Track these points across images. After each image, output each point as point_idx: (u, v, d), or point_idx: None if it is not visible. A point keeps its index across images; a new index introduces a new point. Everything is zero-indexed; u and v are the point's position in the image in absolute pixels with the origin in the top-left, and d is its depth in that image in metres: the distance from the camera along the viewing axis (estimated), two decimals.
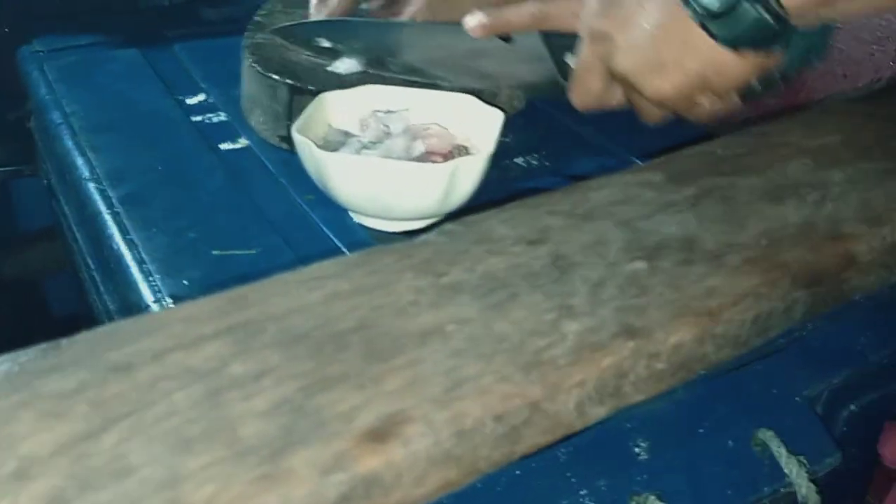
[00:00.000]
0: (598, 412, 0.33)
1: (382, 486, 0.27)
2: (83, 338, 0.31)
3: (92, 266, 0.74)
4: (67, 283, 1.00)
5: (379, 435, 0.28)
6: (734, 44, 0.53)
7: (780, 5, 0.50)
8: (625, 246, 0.37)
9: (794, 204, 0.40)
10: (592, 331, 0.33)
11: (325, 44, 0.79)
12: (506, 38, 0.69)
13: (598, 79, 0.60)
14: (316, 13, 0.81)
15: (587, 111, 0.64)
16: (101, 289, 0.72)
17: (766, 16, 0.50)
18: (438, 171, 0.63)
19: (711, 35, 0.52)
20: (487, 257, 0.37)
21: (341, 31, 0.78)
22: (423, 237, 0.38)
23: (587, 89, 0.62)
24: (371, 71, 0.77)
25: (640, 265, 0.36)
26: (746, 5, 0.50)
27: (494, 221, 0.39)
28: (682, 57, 0.54)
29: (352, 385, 0.30)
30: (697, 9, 0.52)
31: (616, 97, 0.62)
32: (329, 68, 0.77)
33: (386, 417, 0.29)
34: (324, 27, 0.79)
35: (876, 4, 0.55)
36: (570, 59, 0.63)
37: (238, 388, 0.29)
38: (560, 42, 0.64)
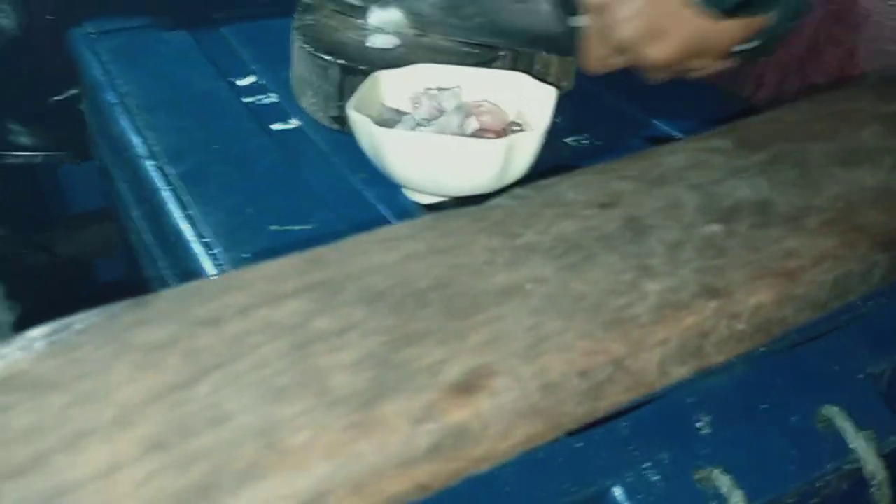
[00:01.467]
0: (680, 372, 0.32)
1: (471, 437, 0.28)
2: (169, 294, 0.32)
3: (153, 242, 0.75)
4: (119, 265, 1.02)
5: (466, 387, 0.28)
6: (719, 8, 0.56)
7: None
8: (699, 209, 0.37)
9: (869, 168, 0.40)
10: (673, 290, 0.33)
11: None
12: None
13: (602, 47, 0.65)
14: None
15: (595, 74, 0.69)
16: (160, 264, 0.72)
17: None
18: (496, 147, 0.63)
19: (699, 3, 0.56)
20: (560, 220, 0.37)
21: None
22: (494, 201, 0.38)
23: (594, 56, 0.67)
24: (404, 42, 0.78)
25: (716, 227, 0.36)
26: None
27: (564, 186, 0.39)
28: (675, 26, 0.59)
29: (435, 340, 0.30)
30: None
31: (620, 61, 0.66)
32: (367, 44, 0.78)
33: (471, 371, 0.29)
34: None
35: None
36: (576, 21, 0.67)
37: (324, 342, 0.30)
38: (569, 2, 0.68)
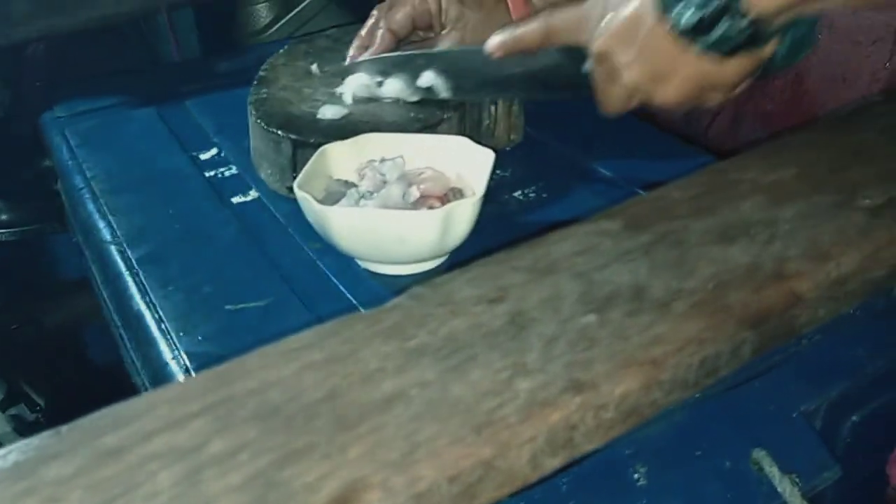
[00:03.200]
0: (552, 463, 0.35)
1: None
2: (82, 423, 0.35)
3: (118, 323, 0.79)
4: (105, 332, 1.05)
5: (342, 503, 0.31)
6: (715, 52, 0.57)
7: (754, 14, 0.53)
8: (579, 299, 0.40)
9: (743, 244, 0.42)
10: (543, 387, 0.36)
11: (378, 79, 0.83)
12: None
13: (614, 89, 0.65)
14: (356, 55, 0.86)
15: (616, 116, 0.68)
16: (128, 345, 0.76)
17: (741, 26, 0.54)
18: (432, 218, 0.66)
19: (693, 46, 0.56)
20: (450, 319, 0.40)
21: (387, 66, 0.83)
22: (394, 301, 0.41)
23: (609, 100, 0.66)
24: (352, 111, 0.82)
25: (591, 318, 0.39)
26: (723, 19, 0.54)
27: (460, 282, 0.42)
28: (677, 67, 0.59)
29: (319, 455, 0.33)
30: (678, 26, 0.56)
31: (636, 101, 0.66)
32: (318, 115, 0.81)
33: (348, 485, 0.32)
34: (371, 65, 0.84)
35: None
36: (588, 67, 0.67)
37: (216, 465, 0.33)
38: (577, 51, 0.67)
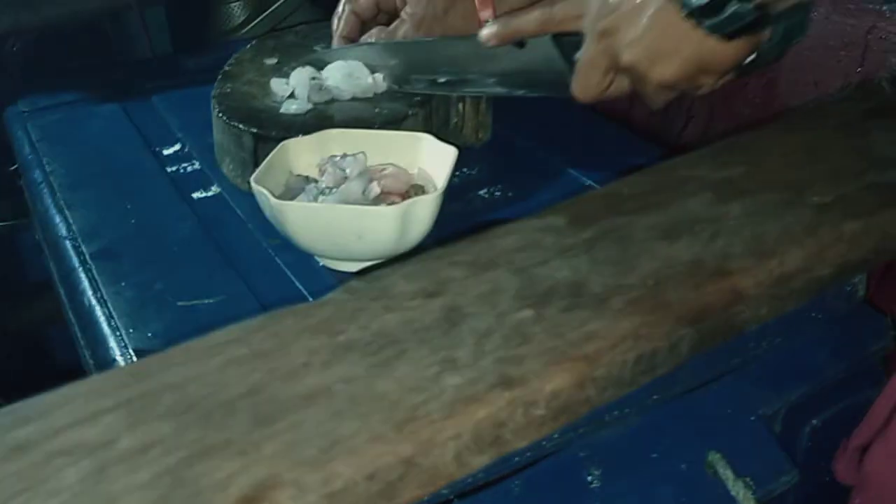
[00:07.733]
0: (480, 461, 0.34)
1: None
2: None
3: (73, 321, 0.77)
4: (69, 334, 1.03)
5: (250, 501, 0.30)
6: (721, 32, 0.58)
7: None
8: (517, 294, 0.39)
9: (686, 241, 0.41)
10: (471, 383, 0.34)
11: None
12: (520, 45, 0.72)
13: (601, 72, 0.65)
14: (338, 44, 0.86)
15: (589, 102, 0.68)
16: (81, 343, 0.74)
17: (748, 6, 0.55)
18: (390, 214, 0.65)
19: (701, 26, 0.57)
20: (384, 313, 0.38)
21: (372, 54, 0.83)
22: (327, 296, 0.40)
23: (590, 82, 0.66)
24: (316, 107, 0.81)
25: (527, 313, 0.38)
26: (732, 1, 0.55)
27: (397, 276, 0.41)
28: (679, 46, 0.60)
29: (233, 452, 0.32)
30: (689, 5, 0.57)
31: (619, 87, 0.67)
32: (281, 110, 0.80)
33: (259, 483, 0.30)
34: (353, 53, 0.84)
35: None
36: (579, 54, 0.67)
37: (124, 462, 0.31)
38: (569, 42, 0.68)
